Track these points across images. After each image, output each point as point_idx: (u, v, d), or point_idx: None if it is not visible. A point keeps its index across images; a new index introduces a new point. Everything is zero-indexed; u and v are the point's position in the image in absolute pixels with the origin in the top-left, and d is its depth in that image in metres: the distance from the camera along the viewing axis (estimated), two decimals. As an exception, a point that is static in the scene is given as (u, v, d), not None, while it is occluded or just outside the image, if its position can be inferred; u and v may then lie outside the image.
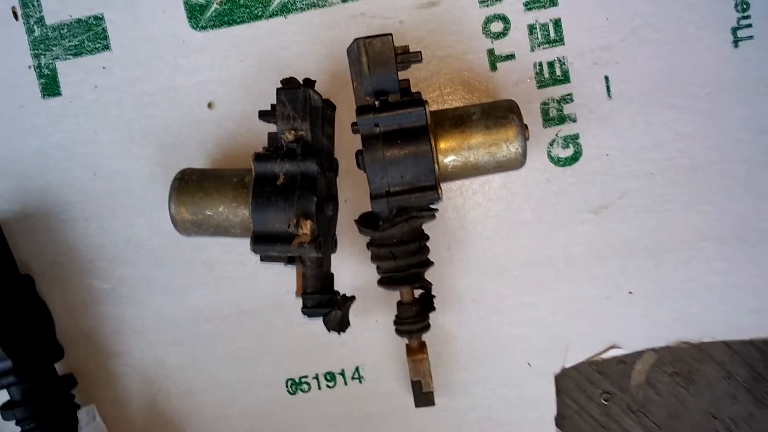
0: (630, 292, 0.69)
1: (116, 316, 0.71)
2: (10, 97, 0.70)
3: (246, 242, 0.59)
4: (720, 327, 0.69)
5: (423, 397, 0.66)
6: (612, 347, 0.69)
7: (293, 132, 0.58)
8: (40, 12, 0.68)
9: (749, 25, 0.65)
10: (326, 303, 0.61)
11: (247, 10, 0.68)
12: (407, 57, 0.57)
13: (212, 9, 0.68)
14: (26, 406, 0.65)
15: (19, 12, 0.69)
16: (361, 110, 0.57)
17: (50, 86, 0.69)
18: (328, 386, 0.72)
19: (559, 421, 0.71)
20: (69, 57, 0.69)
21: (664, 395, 0.71)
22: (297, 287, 0.62)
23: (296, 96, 0.58)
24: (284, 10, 0.67)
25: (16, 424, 0.65)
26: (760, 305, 0.68)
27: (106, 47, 0.69)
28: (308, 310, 0.61)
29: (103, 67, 0.69)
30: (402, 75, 0.58)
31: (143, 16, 0.68)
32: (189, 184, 0.61)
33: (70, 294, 0.71)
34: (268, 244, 0.58)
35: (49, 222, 0.71)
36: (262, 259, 0.61)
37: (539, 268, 0.69)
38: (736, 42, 0.66)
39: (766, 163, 0.67)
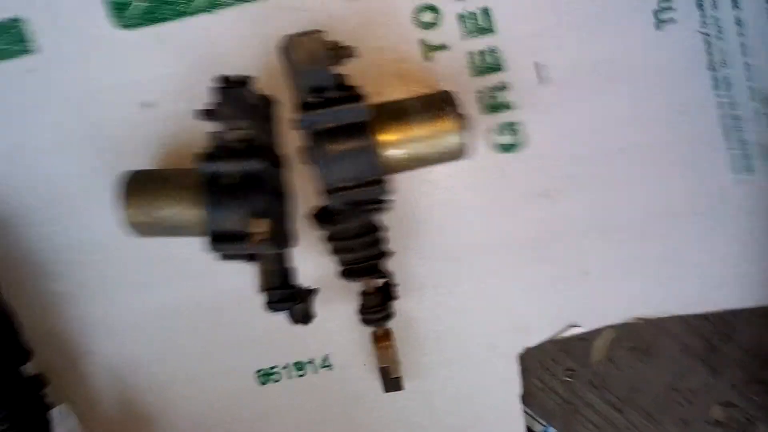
0: (585, 272, 0.69)
1: (81, 316, 0.72)
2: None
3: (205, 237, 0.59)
4: (675, 302, 0.70)
5: (392, 382, 0.68)
6: (571, 326, 0.71)
7: (235, 131, 0.58)
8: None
9: (669, 8, 0.65)
10: (289, 297, 0.62)
11: (172, 5, 0.66)
12: (339, 53, 0.57)
13: (132, 5, 0.66)
14: (-4, 410, 0.65)
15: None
16: (298, 108, 0.57)
17: (-26, 94, 0.67)
18: (298, 375, 0.73)
19: (525, 398, 0.72)
20: (-8, 62, 0.66)
21: (624, 370, 0.72)
22: (260, 284, 0.63)
23: (233, 95, 0.57)
24: (211, 5, 0.66)
25: (-11, 427, 0.66)
26: (711, 279, 0.69)
27: (29, 50, 0.66)
28: (272, 305, 0.62)
29: (27, 71, 0.67)
30: (338, 70, 0.57)
31: (65, 16, 0.66)
32: (137, 186, 0.61)
33: (33, 297, 0.71)
34: (225, 243, 0.58)
35: (3, 227, 0.70)
36: (222, 258, 0.61)
37: (493, 252, 0.70)
38: (658, 24, 0.66)
39: (703, 140, 0.67)
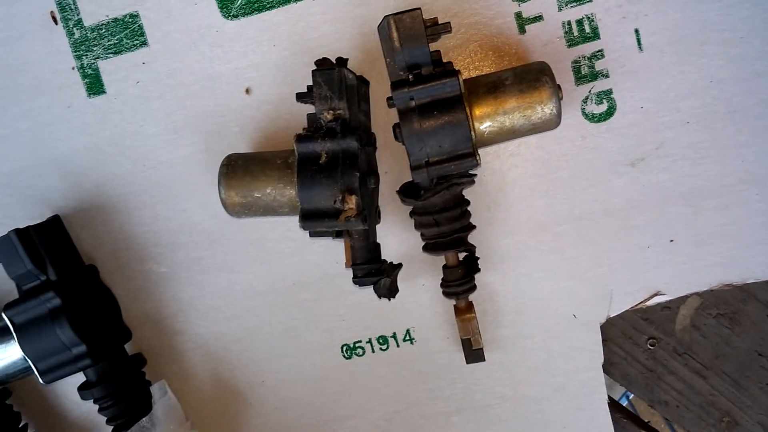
0: (671, 240, 0.70)
1: (176, 296, 0.75)
2: (57, 99, 0.73)
3: (293, 219, 0.62)
4: (762, 267, 0.69)
5: (473, 354, 0.69)
6: (656, 294, 0.71)
7: (331, 112, 0.59)
8: (78, 15, 0.71)
9: None
10: (375, 272, 0.64)
11: (276, -6, 0.69)
12: (437, 29, 0.58)
13: (241, -3, 0.69)
14: (102, 386, 0.69)
15: (58, 16, 0.71)
16: (395, 85, 0.58)
17: (94, 85, 0.72)
18: (381, 349, 0.75)
19: (607, 367, 0.73)
20: (110, 56, 0.71)
21: (709, 337, 0.72)
22: (346, 259, 0.64)
23: (331, 76, 0.59)
24: (312, -9, 0.68)
25: (94, 402, 0.70)
26: (799, 243, 0.68)
27: (144, 43, 0.71)
28: (359, 280, 0.64)
29: (143, 63, 0.71)
30: (433, 46, 0.59)
31: (176, 10, 0.70)
32: (236, 169, 0.63)
33: (131, 280, 0.75)
34: (316, 220, 0.60)
35: (105, 214, 0.74)
36: (311, 235, 0.63)
37: (579, 222, 0.70)
38: None
39: (803, 104, 0.66)
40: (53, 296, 0.66)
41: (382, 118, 0.67)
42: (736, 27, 0.66)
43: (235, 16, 0.70)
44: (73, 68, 0.72)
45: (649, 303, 0.71)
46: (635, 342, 0.73)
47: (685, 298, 0.71)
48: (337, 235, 0.63)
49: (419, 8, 0.56)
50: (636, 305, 0.71)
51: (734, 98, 0.67)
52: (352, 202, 0.59)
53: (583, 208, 0.70)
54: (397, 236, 0.72)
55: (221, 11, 0.70)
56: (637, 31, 0.67)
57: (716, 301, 0.71)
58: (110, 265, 0.75)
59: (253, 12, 0.70)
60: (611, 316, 0.72)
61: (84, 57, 0.72)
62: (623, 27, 0.67)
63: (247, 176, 0.63)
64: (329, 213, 0.60)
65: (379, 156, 0.68)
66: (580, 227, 0.70)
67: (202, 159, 0.72)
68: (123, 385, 0.70)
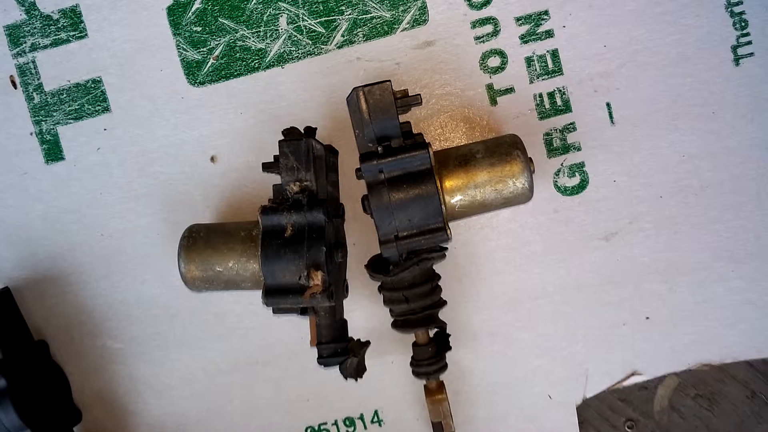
0: (647, 317, 0.68)
1: (132, 374, 0.71)
2: (12, 165, 0.70)
3: (256, 293, 0.59)
4: (740, 347, 0.68)
5: (445, 438, 0.65)
6: (633, 374, 0.69)
7: (298, 183, 0.58)
8: (38, 79, 0.69)
9: (749, 42, 0.66)
10: (341, 351, 0.61)
11: (244, 63, 0.68)
12: (407, 101, 0.57)
13: (209, 64, 0.68)
14: (47, 474, 0.64)
15: (18, 80, 0.69)
16: (364, 157, 0.57)
17: (53, 151, 0.70)
18: (348, 431, 0.71)
19: (584, 451, 0.70)
20: (70, 121, 0.70)
21: (688, 419, 0.70)
22: (311, 338, 0.62)
23: (299, 147, 0.58)
24: (281, 60, 0.68)
25: (38, 491, 0.65)
26: (779, 323, 0.67)
27: (106, 109, 0.69)
28: (324, 360, 0.61)
29: (105, 129, 0.70)
30: (403, 117, 0.58)
31: (141, 76, 0.69)
32: (197, 241, 0.61)
33: (84, 356, 0.71)
34: (280, 296, 0.58)
35: (59, 285, 0.71)
36: (274, 312, 0.60)
37: (553, 297, 0.68)
38: (737, 60, 0.66)
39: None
40: (-3, 376, 0.62)
41: (352, 187, 0.66)
42: (707, 102, 0.66)
43: (202, 83, 0.69)
44: (31, 133, 0.70)
45: (626, 383, 0.69)
46: (612, 424, 0.70)
47: (662, 378, 0.69)
48: (302, 312, 0.61)
49: (389, 80, 0.55)
50: (613, 385, 0.69)
51: (706, 173, 0.67)
52: (317, 278, 0.57)
53: (556, 282, 0.68)
54: (365, 310, 0.69)
55: (187, 78, 0.69)
56: (608, 104, 0.67)
57: (694, 381, 0.69)
58: (62, 341, 0.71)
59: (220, 79, 0.69)
60: (587, 396, 0.69)
61: (43, 122, 0.70)
62: (595, 100, 0.67)
63: (209, 249, 0.60)
64: (294, 289, 0.57)
65: (348, 227, 0.66)
66: (554, 303, 0.69)
67: (163, 229, 0.70)
68: (68, 472, 0.65)
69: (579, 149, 0.67)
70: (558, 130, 0.67)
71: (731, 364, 0.68)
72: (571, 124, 0.67)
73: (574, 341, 0.69)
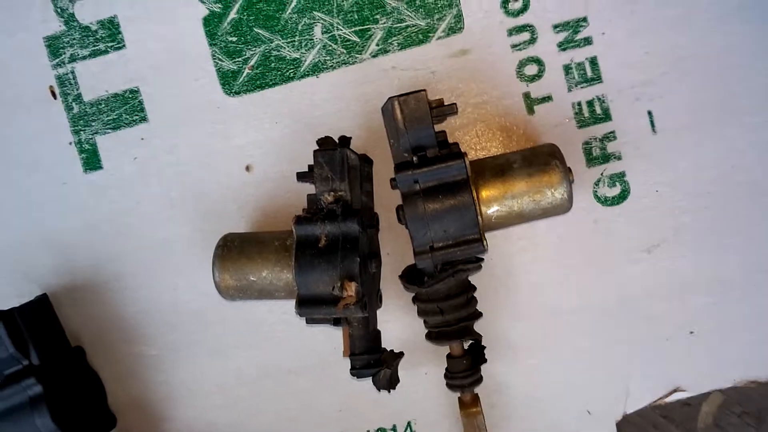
0: (691, 332, 0.66)
1: (165, 381, 0.72)
2: (52, 174, 0.71)
3: (291, 302, 0.59)
4: (790, 363, 0.66)
5: (479, 452, 0.64)
6: (676, 390, 0.67)
7: (332, 193, 0.58)
8: (77, 90, 0.70)
9: None
10: (374, 363, 0.61)
11: (279, 72, 0.68)
12: (442, 110, 0.57)
13: (244, 74, 0.69)
14: (82, 478, 0.65)
15: (57, 91, 0.71)
16: (399, 167, 0.56)
17: (91, 160, 0.71)
18: (381, 443, 0.70)
19: (623, 469, 0.68)
20: (108, 131, 0.71)
21: (734, 437, 0.68)
22: (344, 348, 0.61)
23: (333, 157, 0.57)
24: (316, 69, 0.68)
25: (73, 495, 0.66)
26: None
27: (143, 119, 0.70)
28: (357, 372, 0.61)
29: (142, 138, 0.70)
30: (438, 127, 0.57)
31: (177, 87, 0.70)
32: (231, 250, 0.61)
33: (119, 362, 0.72)
34: (313, 307, 0.58)
35: (96, 293, 0.72)
36: (307, 322, 0.61)
37: (593, 311, 0.67)
38: None
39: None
40: (34, 383, 0.63)
41: (386, 197, 0.65)
42: (755, 109, 0.64)
43: (237, 93, 0.69)
44: (70, 143, 0.71)
45: (669, 399, 0.67)
46: (654, 441, 0.68)
47: (707, 395, 0.67)
48: (335, 322, 0.61)
49: (424, 90, 0.55)
50: (654, 401, 0.67)
51: (753, 183, 0.65)
52: (351, 289, 0.57)
53: (596, 295, 0.67)
54: (399, 321, 0.69)
55: (223, 88, 0.69)
56: (650, 112, 0.65)
57: (740, 398, 0.67)
58: (98, 347, 0.72)
59: (255, 89, 0.69)
60: (628, 413, 0.68)
61: (82, 132, 0.71)
62: (636, 108, 0.65)
63: (243, 258, 0.60)
64: (327, 300, 0.57)
65: (382, 237, 0.66)
66: (594, 316, 0.67)
67: (199, 237, 0.70)
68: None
69: (620, 158, 0.66)
70: (598, 139, 0.66)
71: (779, 381, 0.66)
72: (611, 132, 0.66)
73: (614, 356, 0.67)
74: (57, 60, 0.70)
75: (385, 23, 0.67)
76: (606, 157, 0.66)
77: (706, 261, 0.66)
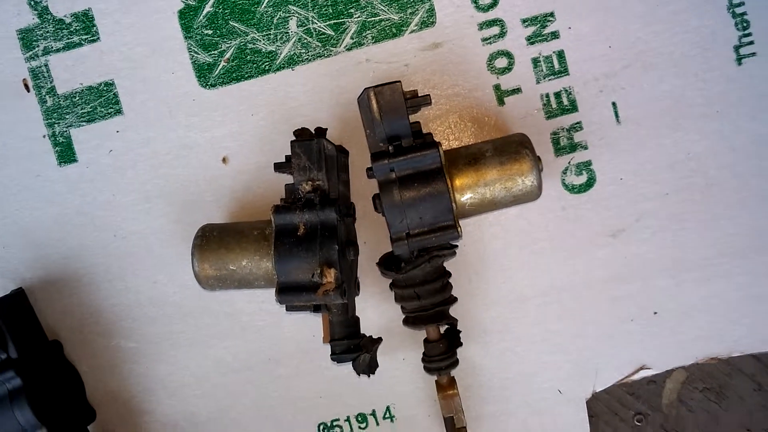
0: (654, 313, 0.69)
1: (144, 373, 0.72)
2: (26, 167, 0.71)
3: (269, 291, 0.60)
4: (746, 340, 0.69)
5: (456, 432, 0.66)
6: (641, 368, 0.69)
7: (310, 182, 0.59)
8: (51, 82, 0.70)
9: (751, 42, 0.67)
10: (354, 348, 0.62)
11: (255, 65, 0.69)
12: (417, 101, 0.58)
13: (220, 67, 0.69)
14: (62, 471, 0.65)
15: (30, 84, 0.70)
16: (375, 156, 0.57)
17: (66, 153, 0.71)
18: (360, 428, 0.72)
19: (593, 445, 0.70)
20: (83, 124, 0.70)
21: (696, 412, 0.71)
22: (324, 335, 0.62)
23: (310, 147, 0.58)
24: (291, 62, 0.69)
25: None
26: (784, 315, 0.68)
27: (119, 111, 0.70)
28: (337, 357, 0.62)
29: (117, 131, 0.70)
30: (412, 118, 0.59)
31: (153, 79, 0.70)
32: (211, 241, 0.61)
33: (98, 355, 0.72)
34: (293, 294, 0.58)
35: (73, 286, 0.71)
36: (287, 309, 0.61)
37: (561, 294, 0.69)
38: (739, 60, 0.67)
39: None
40: (13, 376, 0.63)
41: (362, 187, 0.67)
42: (710, 101, 0.67)
43: (213, 86, 0.69)
44: (44, 136, 0.71)
45: (635, 377, 0.70)
46: (622, 418, 0.71)
47: (670, 372, 0.70)
48: (315, 309, 0.61)
49: (399, 81, 0.56)
50: (621, 379, 0.70)
51: (711, 171, 0.68)
52: (330, 276, 0.58)
53: (564, 279, 0.69)
54: (376, 308, 0.70)
55: (199, 80, 0.70)
56: (614, 104, 0.68)
57: (702, 375, 0.70)
58: (75, 341, 0.72)
59: (231, 81, 0.69)
60: (597, 391, 0.70)
61: (56, 125, 0.70)
62: (600, 100, 0.68)
63: (222, 248, 0.61)
64: (307, 287, 0.58)
65: (359, 226, 0.67)
66: (563, 299, 0.69)
67: (176, 229, 0.70)
68: (84, 471, 0.66)
69: (586, 148, 0.68)
70: (565, 130, 0.68)
71: (738, 357, 0.69)
72: (577, 123, 0.68)
73: (583, 337, 0.69)
74: (30, 53, 0.70)
75: (359, 17, 0.68)
76: (573, 147, 0.68)
77: (668, 245, 0.68)
